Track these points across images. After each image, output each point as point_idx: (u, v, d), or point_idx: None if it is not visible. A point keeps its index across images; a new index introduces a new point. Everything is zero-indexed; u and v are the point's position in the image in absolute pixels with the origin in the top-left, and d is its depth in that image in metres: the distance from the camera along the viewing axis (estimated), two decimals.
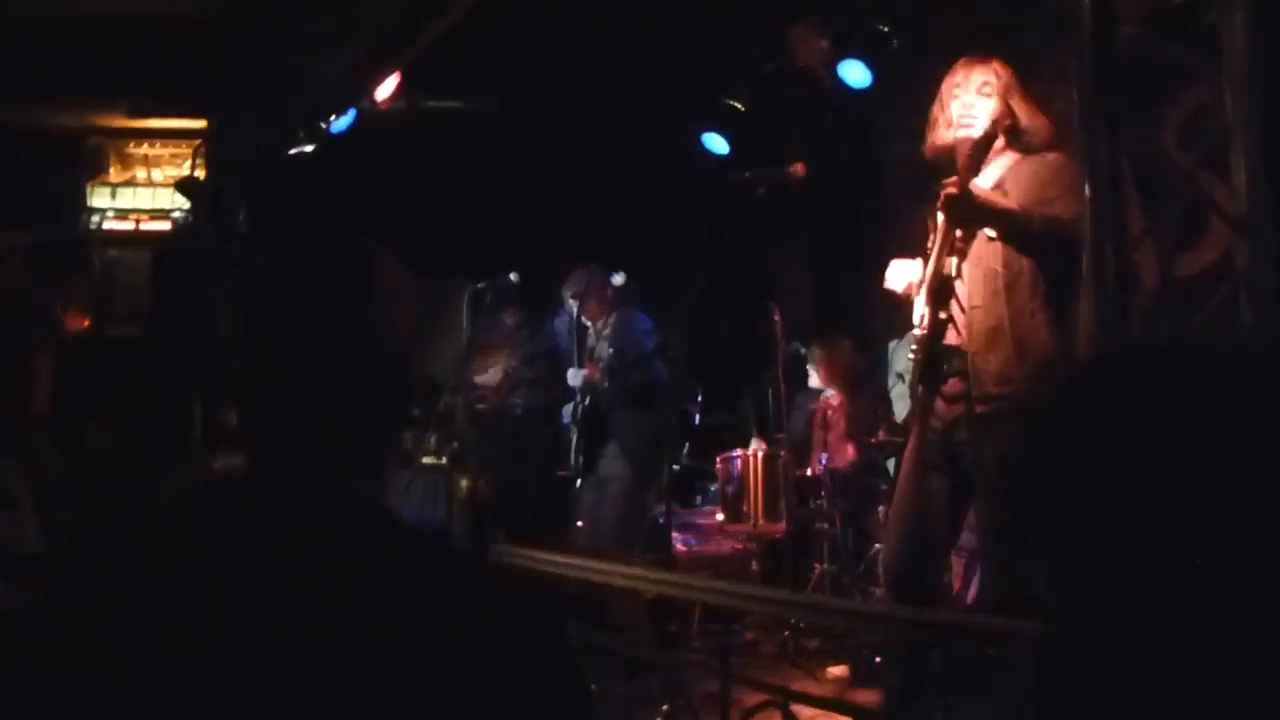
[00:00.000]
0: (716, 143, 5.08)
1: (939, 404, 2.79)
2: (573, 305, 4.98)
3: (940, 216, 2.77)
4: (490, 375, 5.57)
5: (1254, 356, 0.71)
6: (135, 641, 0.87)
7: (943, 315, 2.73)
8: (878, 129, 5.53)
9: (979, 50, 2.90)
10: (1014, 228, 2.66)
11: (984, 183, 2.79)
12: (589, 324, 5.01)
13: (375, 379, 1.02)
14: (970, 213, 2.67)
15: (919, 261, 2.92)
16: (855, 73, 4.49)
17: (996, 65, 2.85)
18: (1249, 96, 1.84)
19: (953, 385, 2.77)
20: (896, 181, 5.20)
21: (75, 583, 0.98)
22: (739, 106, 4.96)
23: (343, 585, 0.88)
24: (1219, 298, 1.91)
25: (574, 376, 5.00)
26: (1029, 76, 3.78)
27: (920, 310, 2.85)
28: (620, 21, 4.89)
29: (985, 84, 2.82)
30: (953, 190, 2.66)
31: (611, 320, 4.93)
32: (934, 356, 2.74)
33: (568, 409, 5.08)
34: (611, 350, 4.87)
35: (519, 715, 0.88)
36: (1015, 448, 2.47)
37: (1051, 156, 2.77)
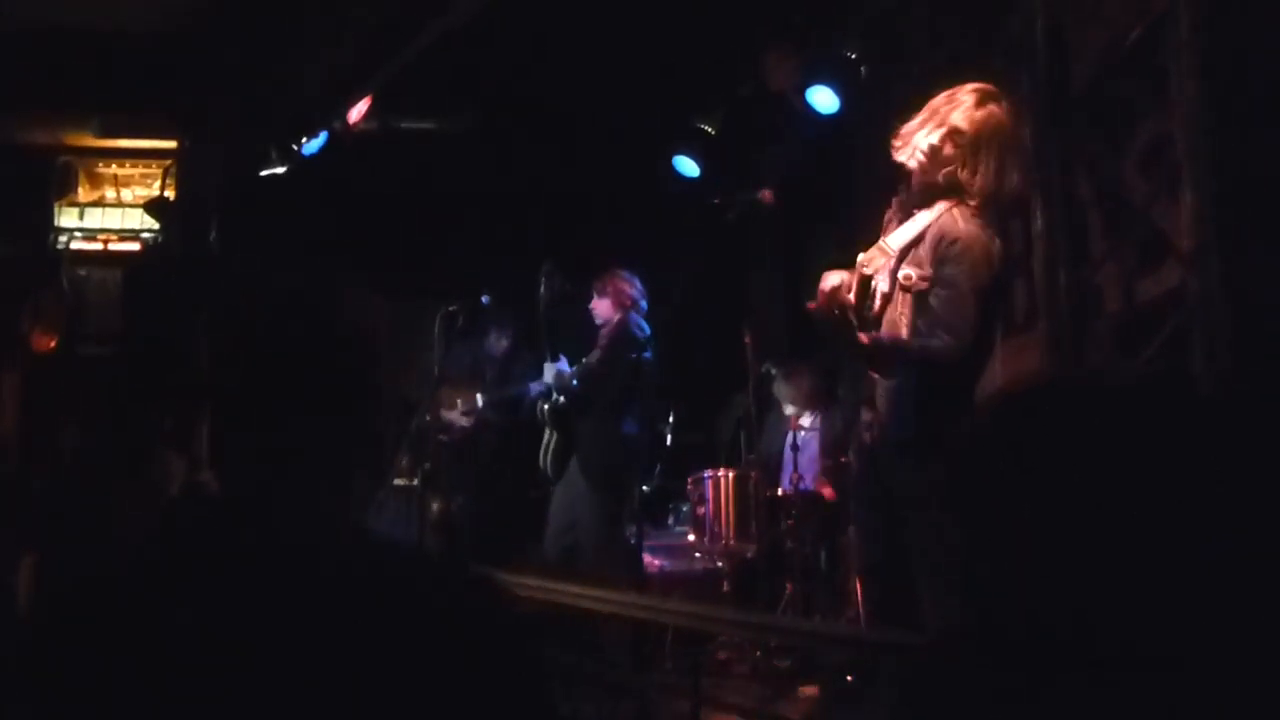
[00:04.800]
0: (687, 165, 5.13)
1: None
2: (595, 300, 4.88)
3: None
4: (457, 414, 5.53)
5: (1162, 388, 0.74)
6: (124, 665, 0.88)
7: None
8: (847, 155, 5.59)
9: (961, 79, 2.80)
10: (887, 360, 2.68)
11: (910, 230, 2.72)
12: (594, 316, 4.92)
13: (344, 402, 1.03)
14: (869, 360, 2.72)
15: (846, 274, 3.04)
16: (824, 99, 4.56)
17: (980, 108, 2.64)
18: (1197, 134, 1.89)
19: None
20: (866, 205, 5.25)
21: (60, 609, 0.98)
22: (710, 130, 5.01)
23: (316, 604, 0.89)
24: (1171, 326, 1.96)
25: (549, 371, 4.96)
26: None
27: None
28: (594, 45, 4.93)
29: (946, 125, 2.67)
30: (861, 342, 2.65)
31: (612, 325, 4.85)
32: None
33: (541, 406, 5.03)
34: (597, 353, 4.84)
35: None
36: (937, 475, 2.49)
37: (962, 221, 2.66)
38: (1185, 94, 1.85)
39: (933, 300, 2.57)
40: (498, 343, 5.62)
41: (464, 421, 5.50)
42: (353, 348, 1.05)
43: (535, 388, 5.12)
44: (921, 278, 2.60)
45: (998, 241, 2.58)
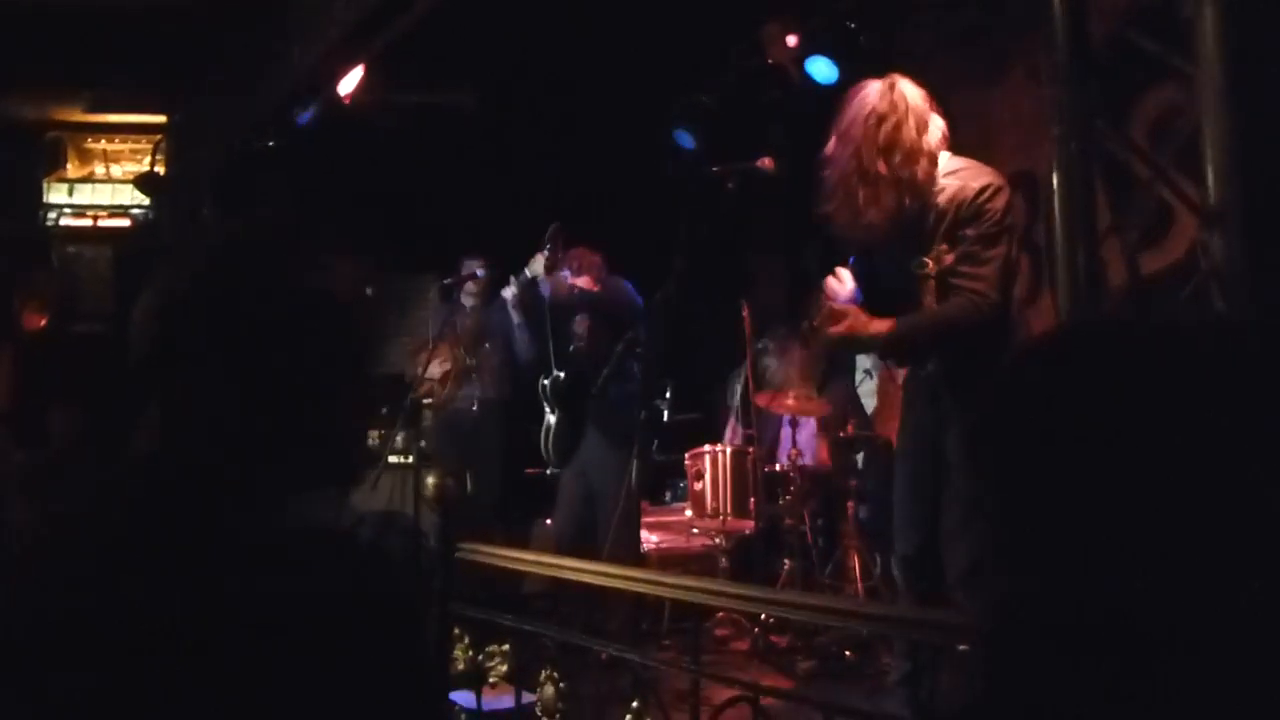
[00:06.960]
0: (686, 139, 5.08)
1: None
2: (565, 274, 4.83)
3: None
4: (435, 368, 5.43)
5: (1210, 333, 0.69)
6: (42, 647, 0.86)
7: None
8: None
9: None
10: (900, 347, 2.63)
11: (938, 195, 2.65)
12: (567, 284, 4.85)
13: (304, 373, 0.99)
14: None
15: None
16: (822, 69, 4.52)
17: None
18: (1221, 88, 1.86)
19: None
20: None
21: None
22: (710, 103, 4.96)
23: (218, 581, 0.88)
24: (1190, 289, 1.93)
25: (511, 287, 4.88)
26: (999, 76, 3.80)
27: None
28: (592, 17, 4.87)
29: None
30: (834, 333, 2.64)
31: (618, 290, 4.81)
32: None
33: (542, 384, 4.92)
34: (583, 321, 4.79)
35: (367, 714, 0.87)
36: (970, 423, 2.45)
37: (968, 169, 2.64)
38: (1210, 45, 1.82)
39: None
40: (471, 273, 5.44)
41: (438, 371, 5.41)
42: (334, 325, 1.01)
43: (507, 291, 5.03)
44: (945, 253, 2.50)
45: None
